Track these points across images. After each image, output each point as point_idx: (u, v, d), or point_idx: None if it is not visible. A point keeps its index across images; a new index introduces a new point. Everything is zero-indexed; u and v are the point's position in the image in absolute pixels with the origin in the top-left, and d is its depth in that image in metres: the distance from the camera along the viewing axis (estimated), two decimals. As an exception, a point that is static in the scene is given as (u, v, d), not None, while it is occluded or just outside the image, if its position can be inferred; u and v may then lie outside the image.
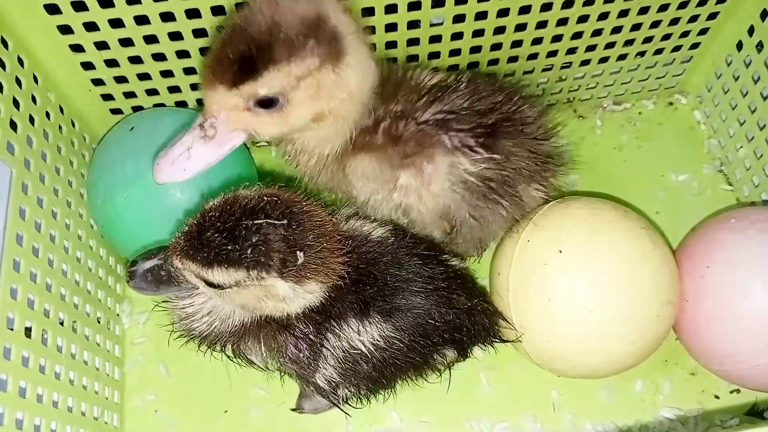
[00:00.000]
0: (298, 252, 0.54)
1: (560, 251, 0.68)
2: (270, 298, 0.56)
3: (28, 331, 0.60)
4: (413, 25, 0.74)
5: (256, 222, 0.53)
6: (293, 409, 0.75)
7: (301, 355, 0.62)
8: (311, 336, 0.62)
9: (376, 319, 0.62)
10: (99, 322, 0.75)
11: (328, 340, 0.62)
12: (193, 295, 0.63)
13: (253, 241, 0.53)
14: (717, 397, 0.76)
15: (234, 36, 0.57)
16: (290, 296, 0.56)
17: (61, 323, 0.66)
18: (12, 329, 0.57)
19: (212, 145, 0.61)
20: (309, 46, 0.56)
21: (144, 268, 0.60)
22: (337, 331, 0.62)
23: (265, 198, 0.55)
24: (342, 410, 0.69)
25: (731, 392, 0.76)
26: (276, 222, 0.54)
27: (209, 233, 0.53)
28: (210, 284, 0.55)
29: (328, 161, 0.67)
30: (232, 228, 0.53)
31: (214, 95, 0.59)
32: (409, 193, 0.67)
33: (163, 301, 0.67)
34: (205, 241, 0.53)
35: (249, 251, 0.53)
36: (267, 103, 0.59)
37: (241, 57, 0.56)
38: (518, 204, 0.72)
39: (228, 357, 0.66)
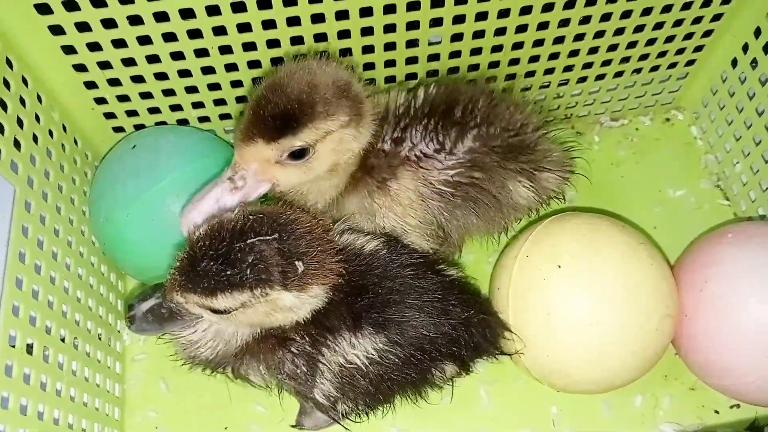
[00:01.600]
0: (296, 262, 0.55)
1: (559, 266, 0.68)
2: (277, 310, 0.57)
3: (29, 348, 0.60)
4: (412, 44, 0.75)
5: (248, 242, 0.54)
6: (293, 426, 0.75)
7: (298, 370, 0.63)
8: (307, 348, 0.62)
9: (369, 331, 0.62)
10: (100, 338, 0.75)
11: (323, 355, 0.62)
12: (195, 324, 0.63)
13: (250, 261, 0.53)
14: (717, 412, 0.76)
15: (274, 95, 0.61)
16: (296, 305, 0.57)
17: (63, 340, 0.66)
18: (14, 346, 0.57)
19: (240, 195, 0.64)
20: (342, 105, 0.62)
21: (142, 310, 0.60)
22: (331, 344, 0.62)
23: (251, 217, 0.56)
24: (341, 425, 0.69)
25: (731, 407, 0.76)
26: (267, 237, 0.54)
27: (204, 263, 0.54)
28: (216, 311, 0.56)
29: (329, 204, 0.71)
30: (226, 253, 0.54)
31: (251, 148, 0.62)
32: (386, 213, 0.69)
33: (164, 334, 0.67)
34: (203, 272, 0.54)
35: (248, 271, 0.53)
36: (298, 155, 0.62)
37: (283, 113, 0.60)
38: (500, 201, 0.72)
39: (229, 378, 0.66)
